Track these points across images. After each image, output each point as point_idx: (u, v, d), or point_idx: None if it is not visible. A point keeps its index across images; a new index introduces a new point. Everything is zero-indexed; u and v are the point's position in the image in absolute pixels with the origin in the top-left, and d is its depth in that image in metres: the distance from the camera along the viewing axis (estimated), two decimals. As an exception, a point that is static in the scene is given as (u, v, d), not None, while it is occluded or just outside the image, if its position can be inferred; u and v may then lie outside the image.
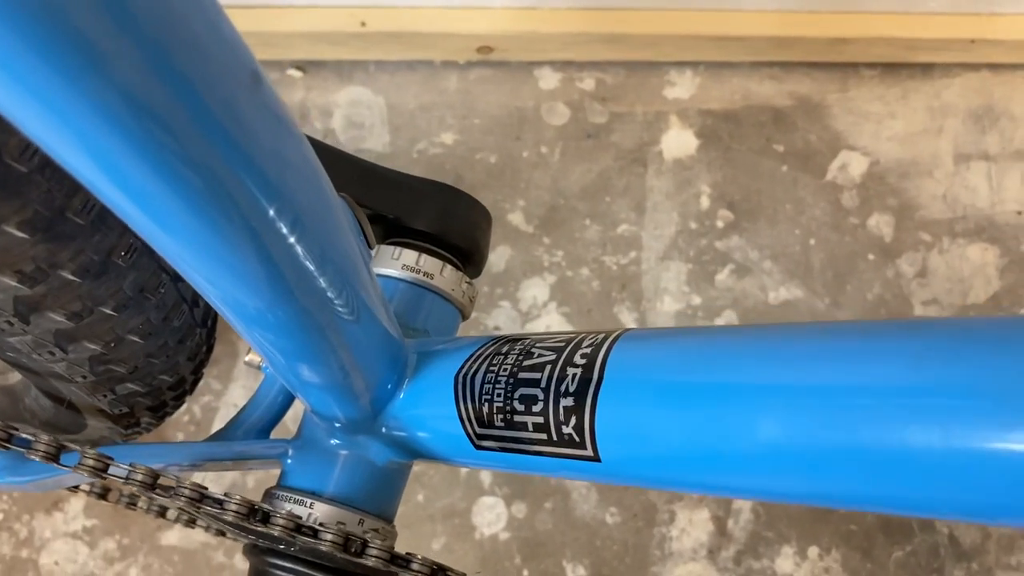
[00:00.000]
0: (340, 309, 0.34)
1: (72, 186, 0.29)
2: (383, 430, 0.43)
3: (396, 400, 0.42)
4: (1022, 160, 1.02)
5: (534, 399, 0.36)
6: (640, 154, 1.00)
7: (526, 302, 0.95)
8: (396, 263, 0.47)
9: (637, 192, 0.99)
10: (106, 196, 0.25)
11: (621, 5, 0.95)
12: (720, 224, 0.98)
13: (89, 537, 0.88)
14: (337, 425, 0.43)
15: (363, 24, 0.95)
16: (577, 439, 0.34)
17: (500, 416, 0.37)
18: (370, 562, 0.37)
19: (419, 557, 0.38)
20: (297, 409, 0.49)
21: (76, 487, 0.57)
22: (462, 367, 0.40)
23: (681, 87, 1.03)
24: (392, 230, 0.48)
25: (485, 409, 0.38)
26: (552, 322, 0.95)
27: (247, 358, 0.49)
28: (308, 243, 0.31)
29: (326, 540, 0.37)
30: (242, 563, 0.87)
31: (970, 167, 1.02)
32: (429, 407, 0.41)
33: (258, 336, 0.35)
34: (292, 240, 0.30)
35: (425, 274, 0.47)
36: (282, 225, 0.29)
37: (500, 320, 0.95)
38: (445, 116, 1.01)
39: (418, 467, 0.90)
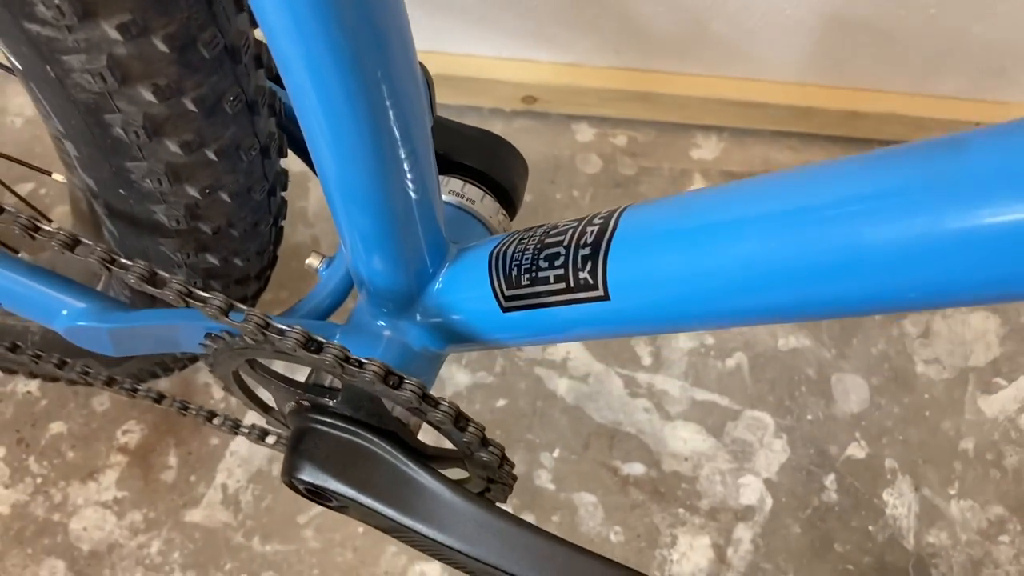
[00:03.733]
0: (410, 183, 0.42)
1: (204, 20, 0.37)
2: (418, 317, 0.50)
3: (434, 286, 0.49)
4: None
5: (556, 256, 0.42)
6: (665, 205, 1.08)
7: (549, 328, 1.01)
8: (444, 188, 0.55)
9: (660, 238, 1.06)
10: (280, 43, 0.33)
11: (655, 68, 1.05)
12: (736, 273, 1.04)
13: (118, 507, 0.92)
14: (384, 310, 0.50)
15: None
16: (591, 281, 0.40)
17: (527, 275, 0.43)
18: (405, 395, 0.43)
19: (447, 400, 0.44)
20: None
21: (135, 389, 0.63)
22: (495, 247, 0.46)
23: (706, 149, 1.12)
24: (442, 165, 0.56)
25: (514, 273, 0.44)
26: (573, 349, 1.01)
27: (307, 261, 0.56)
28: (400, 108, 0.38)
29: (371, 370, 0.43)
30: (259, 545, 0.91)
31: (974, 242, 1.08)
32: (464, 289, 0.48)
33: (346, 209, 0.42)
34: (389, 103, 0.37)
35: (468, 199, 0.54)
36: (385, 87, 0.37)
37: (525, 349, 1.01)
38: (488, 158, 1.10)
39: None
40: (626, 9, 0.96)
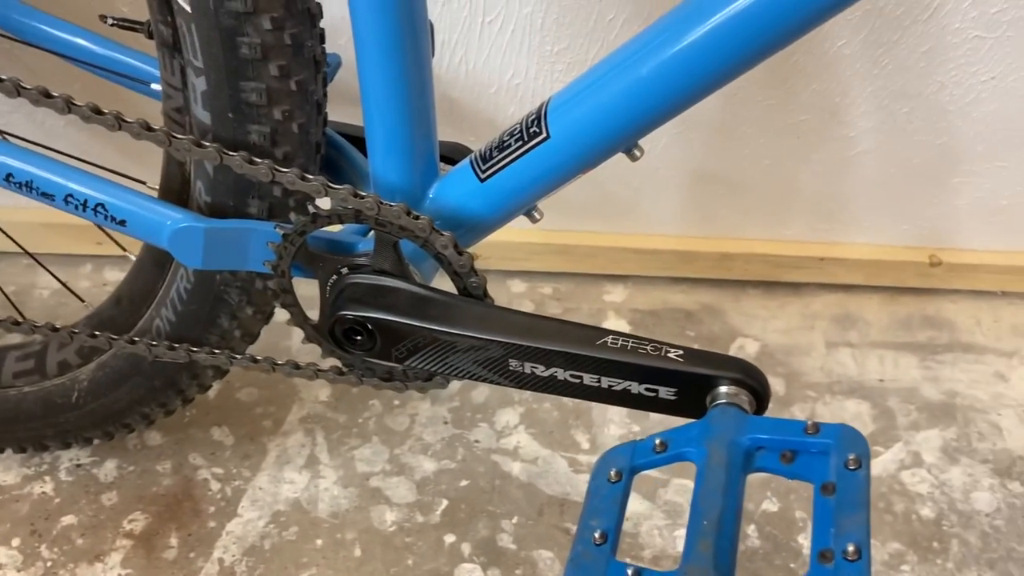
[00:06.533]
0: (421, 91, 0.67)
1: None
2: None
3: (432, 188, 0.72)
4: (878, 348, 1.35)
5: (514, 129, 0.67)
6: (587, 333, 1.32)
7: (500, 424, 1.20)
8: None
9: (586, 356, 1.29)
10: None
11: (569, 228, 1.35)
12: (651, 379, 1.27)
13: (121, 585, 1.02)
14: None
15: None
16: (538, 130, 0.65)
17: (496, 149, 0.67)
18: (422, 222, 0.65)
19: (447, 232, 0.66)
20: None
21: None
22: (475, 154, 0.71)
23: (616, 295, 1.39)
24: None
25: (487, 153, 0.68)
26: (521, 440, 1.19)
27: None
28: (419, 41, 0.65)
29: (399, 208, 0.65)
30: (253, 605, 1.01)
31: (839, 351, 1.34)
32: (452, 183, 0.71)
33: (377, 102, 0.67)
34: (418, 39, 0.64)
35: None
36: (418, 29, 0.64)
37: (479, 436, 1.19)
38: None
39: (408, 538, 1.07)
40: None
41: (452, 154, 0.79)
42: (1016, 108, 1.21)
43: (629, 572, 0.52)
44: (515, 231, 1.30)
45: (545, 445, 1.19)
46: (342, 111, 0.86)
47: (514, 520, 1.11)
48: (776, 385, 1.28)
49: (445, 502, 1.12)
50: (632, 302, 1.38)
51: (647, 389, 0.62)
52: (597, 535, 0.54)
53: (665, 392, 0.62)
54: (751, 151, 1.26)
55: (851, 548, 0.49)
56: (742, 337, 1.35)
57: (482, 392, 1.24)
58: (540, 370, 0.64)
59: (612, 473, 0.58)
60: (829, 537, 0.51)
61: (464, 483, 1.14)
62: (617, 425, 1.21)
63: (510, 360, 0.65)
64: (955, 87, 1.19)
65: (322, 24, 0.70)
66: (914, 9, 1.12)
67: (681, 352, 0.61)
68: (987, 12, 1.12)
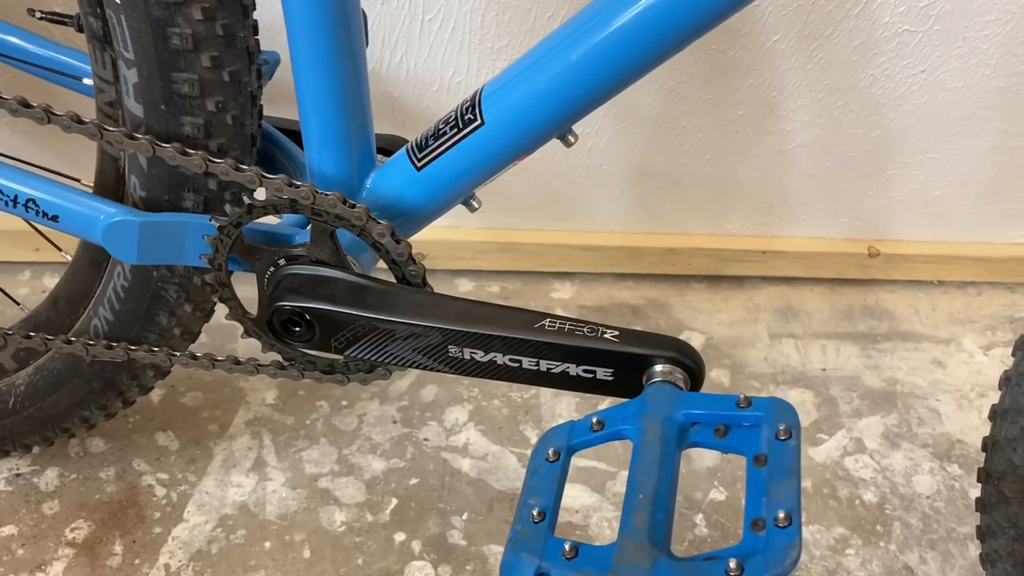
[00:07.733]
0: (357, 83, 0.67)
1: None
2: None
3: (370, 178, 0.72)
4: (820, 339, 1.37)
5: (449, 117, 0.67)
6: (535, 330, 1.33)
7: (450, 422, 1.20)
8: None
9: (534, 353, 1.30)
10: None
11: (515, 226, 1.35)
12: (598, 373, 1.28)
13: (64, 594, 1.00)
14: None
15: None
16: (472, 117, 0.65)
17: (431, 138, 0.68)
18: (358, 211, 0.65)
19: (384, 221, 0.66)
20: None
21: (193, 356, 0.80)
22: (411, 143, 0.71)
23: (563, 292, 1.40)
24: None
25: (422, 141, 0.68)
26: (471, 437, 1.19)
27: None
28: (352, 31, 0.65)
29: (334, 196, 0.65)
30: (201, 609, 1.00)
31: (782, 342, 1.36)
32: (389, 173, 0.71)
33: (311, 93, 0.67)
34: (351, 29, 0.65)
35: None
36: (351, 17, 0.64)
37: (429, 434, 1.19)
38: (387, 307, 1.34)
39: (358, 538, 1.07)
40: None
41: (390, 146, 0.79)
42: (946, 100, 1.25)
43: (566, 547, 0.52)
44: (461, 230, 1.31)
45: (494, 441, 1.19)
46: (283, 110, 0.86)
47: (464, 516, 1.11)
48: (721, 377, 1.30)
49: (395, 501, 1.12)
50: (579, 298, 1.39)
51: (585, 371, 0.63)
52: (535, 513, 0.55)
53: (602, 373, 0.62)
54: (692, 146, 1.28)
55: (781, 515, 0.50)
56: (687, 330, 1.36)
57: (431, 391, 1.24)
58: (480, 355, 0.65)
59: (550, 453, 0.58)
60: (761, 506, 0.51)
61: (414, 481, 1.14)
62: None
63: (449, 346, 0.65)
64: (887, 80, 1.22)
65: (257, 17, 0.70)
66: (845, 4, 1.14)
67: (617, 333, 0.62)
68: (916, 6, 1.15)
